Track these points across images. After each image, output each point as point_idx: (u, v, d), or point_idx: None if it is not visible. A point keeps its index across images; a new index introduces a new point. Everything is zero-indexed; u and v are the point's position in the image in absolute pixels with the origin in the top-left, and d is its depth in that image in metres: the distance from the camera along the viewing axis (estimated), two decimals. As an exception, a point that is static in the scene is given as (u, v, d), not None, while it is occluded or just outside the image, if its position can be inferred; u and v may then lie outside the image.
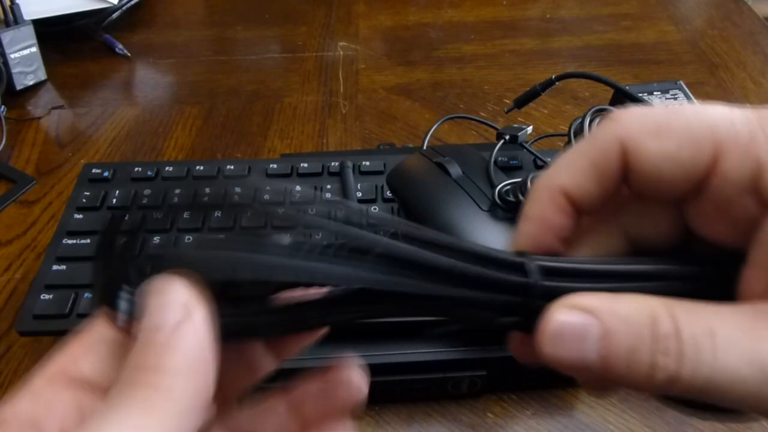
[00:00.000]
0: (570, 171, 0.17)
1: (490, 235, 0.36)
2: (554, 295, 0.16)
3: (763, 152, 0.15)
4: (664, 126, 0.16)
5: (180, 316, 0.15)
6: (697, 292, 0.16)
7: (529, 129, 0.46)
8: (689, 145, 0.16)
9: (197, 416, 0.15)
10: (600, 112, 0.41)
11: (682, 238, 0.18)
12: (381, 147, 0.54)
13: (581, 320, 0.15)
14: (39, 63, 0.63)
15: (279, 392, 0.19)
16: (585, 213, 0.18)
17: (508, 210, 0.37)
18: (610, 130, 0.17)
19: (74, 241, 0.42)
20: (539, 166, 0.46)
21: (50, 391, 0.16)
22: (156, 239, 0.42)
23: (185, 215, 0.43)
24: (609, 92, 0.45)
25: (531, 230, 0.18)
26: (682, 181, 0.16)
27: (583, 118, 0.40)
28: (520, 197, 0.37)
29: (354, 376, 0.18)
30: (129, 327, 0.16)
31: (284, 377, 0.19)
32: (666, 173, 0.16)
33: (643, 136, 0.16)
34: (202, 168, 0.46)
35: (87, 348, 0.17)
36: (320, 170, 0.46)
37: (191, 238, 0.42)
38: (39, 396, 0.16)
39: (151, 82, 0.65)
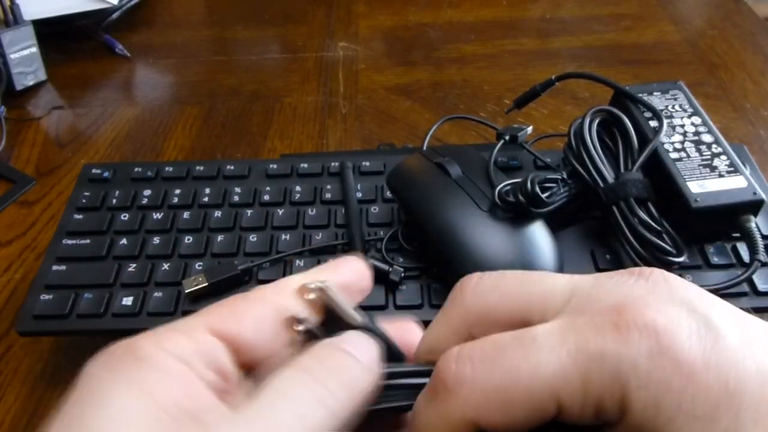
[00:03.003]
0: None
1: (490, 236, 0.36)
2: None
3: (598, 391, 0.16)
4: (507, 399, 0.16)
5: (368, 363, 0.18)
6: None
7: (529, 129, 0.46)
8: (534, 407, 0.16)
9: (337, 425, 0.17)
10: (600, 112, 0.41)
11: None
12: (381, 147, 0.54)
13: None
14: (39, 63, 0.63)
15: None
16: None
17: (508, 210, 0.37)
18: (454, 410, 0.17)
19: (74, 242, 0.42)
20: (539, 166, 0.46)
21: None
22: (156, 240, 0.42)
23: (185, 215, 0.43)
24: (609, 92, 0.45)
25: None
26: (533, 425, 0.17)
27: (583, 118, 0.40)
28: (520, 197, 0.37)
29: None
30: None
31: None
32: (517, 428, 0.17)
33: (490, 413, 0.17)
34: (202, 168, 0.46)
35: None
36: (320, 170, 0.46)
37: (191, 238, 0.42)
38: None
39: (151, 82, 0.65)
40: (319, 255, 0.41)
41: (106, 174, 0.47)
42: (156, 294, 0.38)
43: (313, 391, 0.17)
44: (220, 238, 0.42)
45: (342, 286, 0.20)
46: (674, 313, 0.16)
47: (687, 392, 0.15)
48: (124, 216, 0.43)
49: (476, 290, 0.20)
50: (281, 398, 0.16)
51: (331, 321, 0.19)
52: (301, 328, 0.19)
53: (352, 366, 0.18)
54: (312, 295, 0.19)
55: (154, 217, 0.43)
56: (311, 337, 0.19)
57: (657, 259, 0.36)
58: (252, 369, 0.19)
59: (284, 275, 0.40)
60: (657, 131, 0.40)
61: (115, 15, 0.71)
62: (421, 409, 0.18)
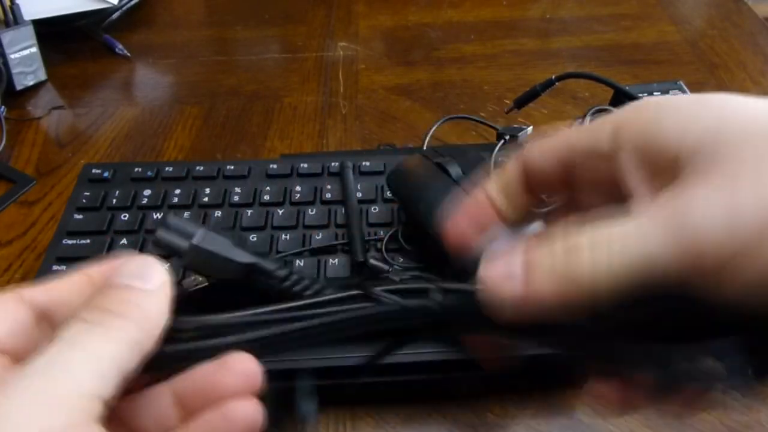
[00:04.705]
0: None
1: (490, 236, 0.36)
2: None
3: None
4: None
5: (155, 286, 0.19)
6: None
7: (529, 129, 0.46)
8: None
9: (138, 360, 0.18)
10: (600, 112, 0.41)
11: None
12: (381, 147, 0.54)
13: (508, 252, 0.19)
14: (39, 63, 0.63)
15: (164, 382, 0.20)
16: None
17: (508, 210, 0.37)
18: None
19: (74, 242, 0.42)
20: (539, 166, 0.46)
21: None
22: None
23: (185, 215, 0.43)
24: (609, 92, 0.46)
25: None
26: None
27: (583, 118, 0.40)
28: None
29: (241, 364, 0.19)
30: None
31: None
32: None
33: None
34: (202, 168, 0.46)
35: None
36: (320, 170, 0.46)
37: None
38: None
39: (151, 82, 0.65)
40: (319, 255, 0.41)
41: (106, 174, 0.47)
42: (156, 294, 0.38)
43: (103, 343, 0.17)
44: (220, 238, 0.42)
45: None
46: None
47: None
48: (124, 216, 0.43)
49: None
50: (71, 350, 0.17)
51: None
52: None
53: (138, 302, 0.18)
54: None
55: (154, 217, 0.43)
56: None
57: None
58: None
59: (284, 275, 0.40)
60: (657, 131, 0.40)
61: (115, 15, 0.71)
62: None
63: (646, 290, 0.16)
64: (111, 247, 0.41)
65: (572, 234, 0.18)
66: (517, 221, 0.23)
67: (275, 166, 0.47)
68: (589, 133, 0.20)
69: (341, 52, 0.68)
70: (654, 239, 0.16)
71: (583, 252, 0.17)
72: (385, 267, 0.39)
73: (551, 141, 0.21)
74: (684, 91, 0.44)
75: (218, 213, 0.43)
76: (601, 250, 0.17)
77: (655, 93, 0.44)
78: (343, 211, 0.43)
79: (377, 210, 0.43)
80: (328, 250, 0.41)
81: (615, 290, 0.17)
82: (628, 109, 0.20)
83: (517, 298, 0.18)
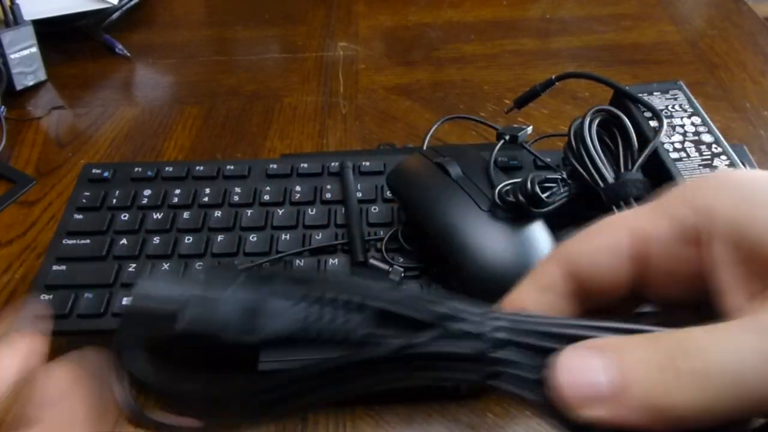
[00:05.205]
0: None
1: (490, 235, 0.36)
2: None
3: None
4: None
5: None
6: None
7: (529, 129, 0.46)
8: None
9: None
10: (600, 112, 0.41)
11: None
12: (381, 147, 0.54)
13: (594, 350, 0.15)
14: (39, 63, 0.63)
15: None
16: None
17: (508, 210, 0.37)
18: None
19: (74, 241, 0.42)
20: (539, 166, 0.46)
21: None
22: (156, 239, 0.42)
23: (185, 215, 0.43)
24: (609, 92, 0.45)
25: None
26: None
27: (583, 118, 0.40)
28: (520, 197, 0.37)
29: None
30: None
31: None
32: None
33: None
34: (202, 168, 0.46)
35: None
36: (320, 170, 0.46)
37: (191, 238, 0.42)
38: None
39: (151, 82, 0.65)
40: (319, 255, 0.41)
41: (106, 174, 0.47)
42: (156, 294, 0.38)
43: None
44: (220, 238, 0.42)
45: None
46: None
47: None
48: (124, 216, 0.43)
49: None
50: None
51: None
52: None
53: None
54: None
55: (154, 217, 0.43)
56: None
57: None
58: None
59: (284, 275, 0.40)
60: (657, 131, 0.40)
61: (115, 15, 0.71)
62: None
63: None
64: (111, 247, 0.41)
65: (668, 347, 0.14)
66: None
67: (275, 166, 0.47)
68: (670, 220, 0.17)
69: (341, 52, 0.68)
70: (751, 363, 0.13)
71: (681, 374, 0.14)
72: (385, 267, 0.39)
73: (608, 235, 0.17)
74: (684, 91, 0.44)
75: (218, 213, 0.43)
76: (698, 373, 0.14)
77: (655, 93, 0.44)
78: (343, 211, 0.43)
79: (377, 210, 0.43)
80: (328, 250, 0.41)
81: (710, 417, 0.14)
82: (706, 188, 0.17)
83: (601, 416, 0.14)
